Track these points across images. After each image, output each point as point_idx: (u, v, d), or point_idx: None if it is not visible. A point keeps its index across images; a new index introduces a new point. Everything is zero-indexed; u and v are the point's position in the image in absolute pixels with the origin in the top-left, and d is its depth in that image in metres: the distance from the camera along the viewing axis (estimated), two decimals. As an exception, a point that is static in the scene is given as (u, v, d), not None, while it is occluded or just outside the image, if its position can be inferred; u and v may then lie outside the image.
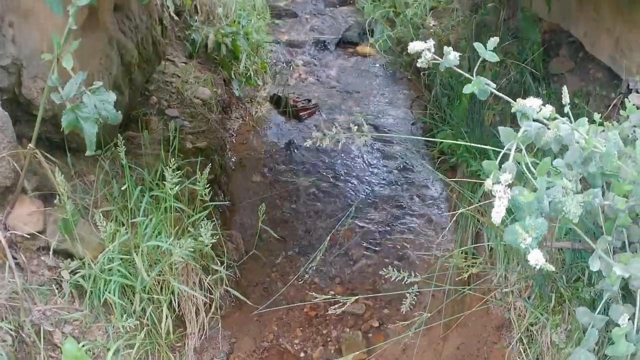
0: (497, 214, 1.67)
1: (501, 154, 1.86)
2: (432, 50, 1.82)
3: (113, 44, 3.91)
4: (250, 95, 6.71)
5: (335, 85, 7.15)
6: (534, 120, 1.93)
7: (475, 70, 1.92)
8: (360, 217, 4.86)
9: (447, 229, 4.36)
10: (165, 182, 3.35)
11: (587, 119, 1.97)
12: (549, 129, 1.90)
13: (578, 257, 2.81)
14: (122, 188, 3.49)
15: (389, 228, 4.79)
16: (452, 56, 1.88)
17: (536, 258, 1.66)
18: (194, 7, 6.62)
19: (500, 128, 1.93)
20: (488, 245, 3.73)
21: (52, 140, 3.45)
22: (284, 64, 7.57)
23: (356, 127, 2.18)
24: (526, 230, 1.70)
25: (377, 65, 7.68)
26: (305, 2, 9.68)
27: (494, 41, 1.96)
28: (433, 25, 7.23)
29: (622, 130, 2.46)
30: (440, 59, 1.90)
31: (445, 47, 1.88)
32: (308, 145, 2.20)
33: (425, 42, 1.81)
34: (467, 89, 1.97)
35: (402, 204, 5.05)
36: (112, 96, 2.76)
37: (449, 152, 4.88)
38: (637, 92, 3.60)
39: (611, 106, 3.84)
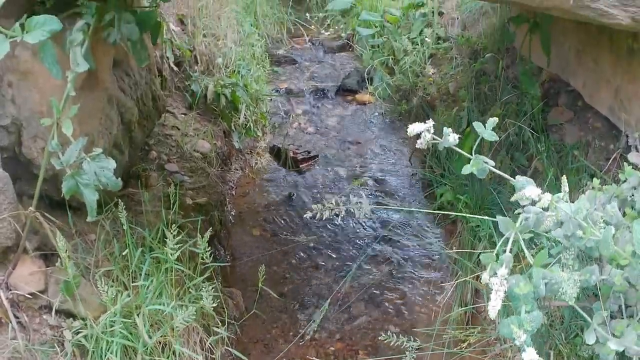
0: (493, 307, 1.73)
1: (499, 244, 1.92)
2: (432, 130, 1.91)
3: (113, 103, 3.98)
4: (250, 146, 6.81)
5: (334, 135, 7.24)
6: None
7: (474, 148, 2.00)
8: (360, 272, 4.91)
9: (447, 285, 4.41)
10: (166, 241, 3.43)
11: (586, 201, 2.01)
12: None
13: (577, 314, 2.87)
14: (124, 253, 3.56)
15: (389, 283, 4.85)
16: (452, 138, 1.97)
17: (531, 357, 1.71)
18: (194, 57, 6.74)
19: (498, 218, 2.00)
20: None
21: (52, 198, 3.51)
22: (284, 113, 7.67)
23: (355, 199, 2.26)
24: (521, 325, 1.76)
25: (376, 113, 7.78)
26: (305, 49, 9.82)
27: (493, 121, 2.04)
28: (432, 73, 7.34)
29: (620, 192, 2.55)
30: (439, 139, 1.97)
31: (444, 129, 1.96)
32: (308, 217, 2.27)
33: (425, 122, 1.90)
34: (466, 170, 2.05)
35: (402, 259, 5.10)
36: (112, 163, 2.86)
37: (448, 207, 4.96)
38: (637, 149, 3.68)
39: (611, 160, 3.92)
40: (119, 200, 3.48)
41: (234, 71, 6.96)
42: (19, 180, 3.36)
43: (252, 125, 6.79)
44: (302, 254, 5.15)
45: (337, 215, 2.28)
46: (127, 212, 3.48)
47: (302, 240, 5.30)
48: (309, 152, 6.65)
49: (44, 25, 2.53)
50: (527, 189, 1.91)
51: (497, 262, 1.88)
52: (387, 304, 4.65)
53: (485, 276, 1.83)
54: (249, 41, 8.06)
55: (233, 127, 6.50)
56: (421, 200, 5.82)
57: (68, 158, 2.81)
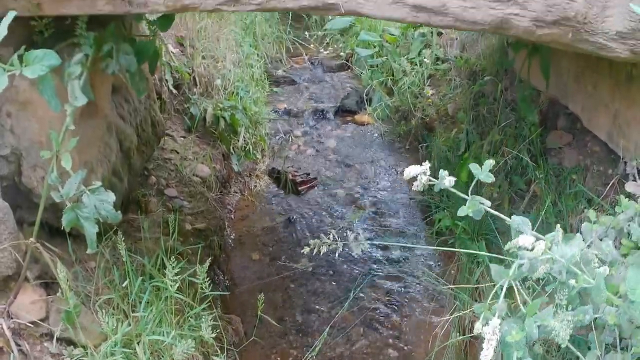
0: (485, 357, 1.76)
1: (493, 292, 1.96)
2: (427, 172, 1.96)
3: (112, 131, 4.04)
4: (250, 169, 6.88)
5: (333, 157, 7.31)
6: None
7: (470, 190, 2.05)
8: (360, 297, 4.96)
9: (446, 311, 4.46)
10: (166, 269, 3.48)
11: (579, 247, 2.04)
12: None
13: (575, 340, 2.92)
14: (124, 285, 3.62)
15: (387, 308, 4.90)
16: (448, 181, 2.01)
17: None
18: (193, 79, 6.79)
19: (491, 266, 2.04)
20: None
21: (52, 226, 3.56)
22: (283, 135, 7.74)
23: (353, 235, 2.32)
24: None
25: (375, 134, 7.85)
26: (304, 68, 9.88)
27: (489, 164, 2.09)
28: (431, 94, 7.40)
29: (617, 224, 2.61)
30: (435, 180, 2.02)
31: (440, 171, 2.01)
32: (305, 253, 2.33)
33: (421, 165, 1.95)
34: (462, 211, 2.10)
35: (401, 284, 5.15)
36: (112, 196, 2.93)
37: (447, 232, 5.01)
38: (634, 177, 3.72)
39: (609, 186, 3.96)
40: (118, 228, 3.54)
41: (233, 93, 7.02)
42: (19, 208, 3.42)
43: (251, 147, 6.85)
44: (301, 279, 5.19)
45: (335, 252, 2.29)
46: (126, 238, 3.55)
47: (301, 266, 5.35)
48: (308, 175, 6.72)
49: (42, 60, 2.59)
50: (520, 238, 1.95)
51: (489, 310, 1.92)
52: (386, 329, 4.70)
53: (477, 326, 1.87)
54: (248, 62, 8.14)
55: (232, 150, 6.56)
56: (420, 225, 5.89)
57: (68, 191, 2.88)
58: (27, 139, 3.37)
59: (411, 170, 1.98)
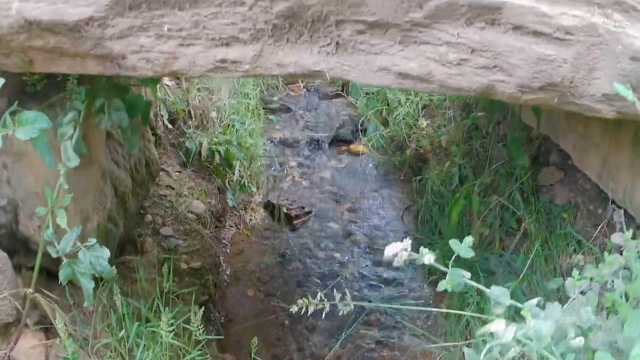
0: None
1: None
2: (409, 248, 2.05)
3: (106, 178, 4.12)
4: (245, 201, 6.97)
5: (328, 189, 7.42)
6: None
7: (450, 264, 2.13)
8: (354, 334, 5.03)
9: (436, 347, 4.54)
10: (162, 311, 3.58)
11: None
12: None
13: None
14: (120, 335, 3.70)
15: (381, 344, 4.99)
16: (427, 259, 2.09)
17: None
18: (188, 112, 6.87)
19: (465, 350, 2.11)
20: None
21: (50, 270, 3.62)
22: (278, 166, 7.86)
23: (340, 295, 2.41)
24: None
25: (370, 165, 7.97)
26: (300, 95, 9.96)
27: (468, 241, 2.18)
28: (425, 125, 7.48)
29: (601, 278, 2.70)
30: (416, 254, 2.10)
31: (421, 248, 2.10)
32: (293, 312, 2.42)
33: (402, 241, 2.04)
34: (441, 286, 2.19)
35: (394, 320, 5.23)
36: (107, 253, 3.05)
37: (439, 272, 5.08)
38: (621, 225, 3.80)
39: (599, 228, 4.03)
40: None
41: (229, 125, 7.12)
42: (16, 254, 3.52)
43: (246, 181, 6.95)
44: (295, 315, 5.25)
45: (322, 312, 2.40)
46: (122, 280, 3.66)
47: (296, 298, 5.41)
48: (302, 208, 6.81)
49: (34, 122, 2.75)
50: (493, 324, 1.97)
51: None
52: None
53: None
54: (243, 91, 8.22)
55: (227, 185, 6.66)
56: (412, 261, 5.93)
57: (64, 247, 3.00)
58: (23, 190, 3.45)
59: (391, 249, 2.06)
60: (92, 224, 3.80)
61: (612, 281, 2.63)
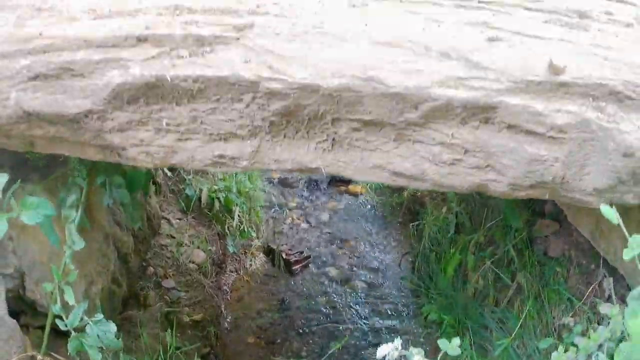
0: None
1: None
2: (399, 348, 2.16)
3: (109, 241, 4.23)
4: (245, 246, 7.06)
5: (327, 232, 7.53)
6: None
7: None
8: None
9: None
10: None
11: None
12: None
13: None
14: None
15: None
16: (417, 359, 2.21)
17: None
18: (188, 157, 6.94)
19: None
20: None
21: (57, 330, 3.77)
22: (278, 208, 7.98)
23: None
24: None
25: (369, 206, 8.09)
26: (298, 132, 9.99)
27: (455, 342, 2.31)
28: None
29: (587, 350, 2.81)
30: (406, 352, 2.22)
31: (411, 348, 2.22)
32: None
33: (393, 342, 2.15)
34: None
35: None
36: (113, 327, 3.17)
37: (434, 326, 5.20)
38: (610, 291, 3.90)
39: (591, 288, 4.12)
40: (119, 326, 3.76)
41: (229, 168, 7.16)
42: (24, 314, 3.66)
43: (245, 227, 7.03)
44: (294, 360, 5.40)
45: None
46: (126, 336, 3.77)
47: (295, 345, 5.54)
48: (301, 253, 6.91)
49: (38, 208, 2.82)
50: None
51: None
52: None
53: None
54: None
55: (227, 230, 6.76)
56: (410, 308, 6.06)
57: (72, 321, 3.12)
58: (29, 259, 3.58)
59: (382, 350, 2.17)
60: (96, 287, 3.93)
61: (597, 356, 2.76)
